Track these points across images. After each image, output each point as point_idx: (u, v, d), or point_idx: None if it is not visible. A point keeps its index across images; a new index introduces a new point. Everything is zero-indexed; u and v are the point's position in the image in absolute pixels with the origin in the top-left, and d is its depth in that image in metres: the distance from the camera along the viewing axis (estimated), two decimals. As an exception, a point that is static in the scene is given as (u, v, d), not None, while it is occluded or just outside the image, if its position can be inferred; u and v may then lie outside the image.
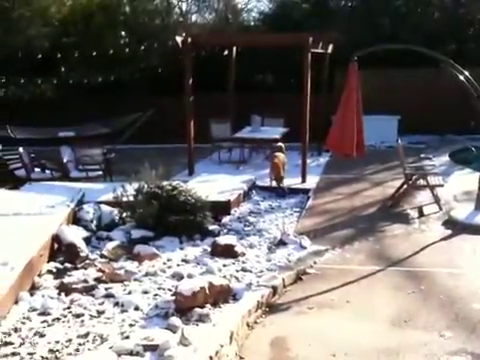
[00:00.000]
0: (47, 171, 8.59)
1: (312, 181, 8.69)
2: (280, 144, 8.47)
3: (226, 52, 11.35)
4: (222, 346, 3.68)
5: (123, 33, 13.72)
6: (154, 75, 13.13)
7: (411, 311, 4.40)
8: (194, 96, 9.23)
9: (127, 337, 3.79)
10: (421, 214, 7.02)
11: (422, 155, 8.41)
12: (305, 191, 8.10)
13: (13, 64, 13.07)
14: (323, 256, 5.61)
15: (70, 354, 3.60)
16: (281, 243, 5.78)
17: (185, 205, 6.03)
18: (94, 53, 12.97)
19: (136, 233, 5.83)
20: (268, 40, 10.51)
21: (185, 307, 4.16)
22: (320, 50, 9.87)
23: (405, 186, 7.46)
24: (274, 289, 4.72)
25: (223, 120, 10.76)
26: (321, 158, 10.59)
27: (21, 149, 8.49)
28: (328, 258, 5.59)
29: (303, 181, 8.67)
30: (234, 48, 11.30)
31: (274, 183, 8.12)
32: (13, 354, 3.61)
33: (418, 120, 11.78)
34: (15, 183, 7.94)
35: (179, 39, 9.14)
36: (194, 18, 17.52)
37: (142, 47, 13.69)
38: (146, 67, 13.31)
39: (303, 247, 5.70)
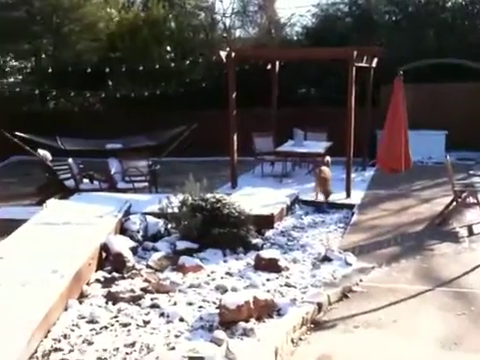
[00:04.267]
0: (95, 182, 8.81)
1: (357, 196, 8.56)
2: (327, 158, 8.38)
3: (269, 66, 11.40)
4: (267, 362, 3.66)
5: (168, 48, 14.06)
6: (198, 89, 13.34)
7: (461, 333, 4.25)
8: (237, 110, 9.31)
9: (173, 348, 3.81)
10: (471, 233, 6.78)
11: (471, 172, 8.18)
12: (349, 206, 7.98)
13: (63, 78, 13.58)
14: (369, 274, 5.49)
15: (117, 363, 3.67)
16: (326, 259, 5.69)
17: (229, 218, 6.05)
18: (140, 67, 13.31)
19: (181, 244, 5.88)
20: (313, 54, 10.51)
21: (229, 320, 4.15)
22: (364, 64, 9.78)
23: (454, 203, 7.24)
24: (319, 306, 4.65)
25: (266, 134, 10.79)
26: (366, 173, 10.42)
27: (70, 160, 8.75)
28: (374, 276, 5.47)
29: (347, 196, 8.55)
30: (277, 62, 11.35)
31: (321, 197, 7.99)
32: (63, 360, 3.71)
33: (466, 136, 11.44)
34: (64, 193, 8.19)
35: (223, 54, 9.27)
36: (238, 33, 17.79)
37: (187, 62, 13.96)
38: (190, 81, 13.55)
39: (348, 264, 5.60)
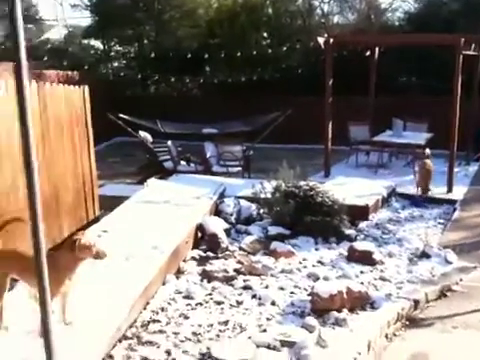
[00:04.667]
0: (191, 164, 9.11)
1: (459, 192, 8.08)
2: (427, 151, 7.98)
3: (368, 53, 11.03)
4: (360, 353, 3.59)
5: (265, 34, 14.07)
6: (294, 75, 13.23)
7: None
8: (333, 97, 9.13)
9: (265, 330, 3.87)
10: None
11: None
12: (451, 202, 7.57)
13: (164, 63, 14.09)
14: (471, 273, 5.20)
15: (211, 339, 3.78)
16: (424, 255, 5.45)
17: (321, 206, 5.99)
18: (238, 53, 13.45)
19: (273, 229, 5.91)
20: (416, 40, 10.02)
21: (321, 308, 4.13)
22: (472, 52, 9.16)
23: None
24: (416, 303, 4.49)
25: (362, 123, 10.50)
26: (470, 167, 9.78)
27: (170, 142, 9.10)
28: (476, 276, 5.17)
29: (449, 191, 8.11)
30: (377, 49, 10.95)
31: (420, 191, 7.65)
32: (160, 331, 3.88)
33: None
34: (163, 174, 8.55)
35: (321, 40, 9.11)
36: (336, 19, 17.38)
37: (284, 48, 13.89)
38: (287, 67, 13.47)
39: (448, 262, 5.32)
